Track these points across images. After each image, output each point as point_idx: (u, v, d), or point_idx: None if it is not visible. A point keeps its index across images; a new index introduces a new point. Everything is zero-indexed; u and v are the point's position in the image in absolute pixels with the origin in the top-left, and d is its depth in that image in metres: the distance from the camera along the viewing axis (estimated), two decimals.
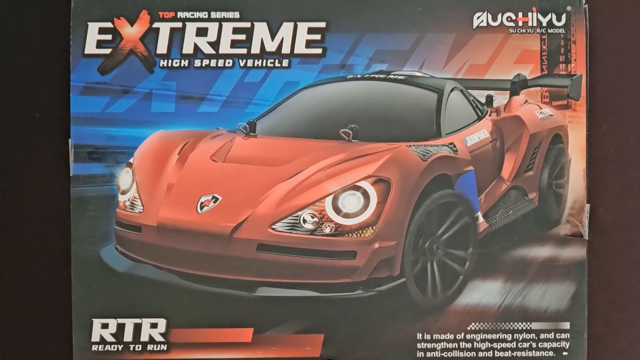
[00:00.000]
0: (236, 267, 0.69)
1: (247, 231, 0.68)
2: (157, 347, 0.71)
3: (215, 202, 0.70)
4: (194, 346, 0.71)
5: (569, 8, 0.73)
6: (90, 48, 0.72)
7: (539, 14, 0.73)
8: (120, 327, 0.71)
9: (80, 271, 0.71)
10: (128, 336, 0.71)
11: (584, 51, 0.73)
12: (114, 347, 0.71)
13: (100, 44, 0.72)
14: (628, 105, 0.76)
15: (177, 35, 0.72)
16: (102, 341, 0.71)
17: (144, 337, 0.71)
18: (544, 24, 0.73)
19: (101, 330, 0.71)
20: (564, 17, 0.73)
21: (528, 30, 0.73)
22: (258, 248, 0.69)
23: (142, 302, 0.71)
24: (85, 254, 0.71)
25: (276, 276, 0.69)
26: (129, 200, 0.73)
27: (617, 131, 0.75)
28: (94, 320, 0.71)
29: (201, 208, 0.70)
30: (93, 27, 0.72)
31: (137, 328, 0.71)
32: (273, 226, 0.69)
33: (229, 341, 0.71)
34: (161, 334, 0.71)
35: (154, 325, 0.71)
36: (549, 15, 0.73)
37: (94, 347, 0.71)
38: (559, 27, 0.73)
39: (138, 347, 0.71)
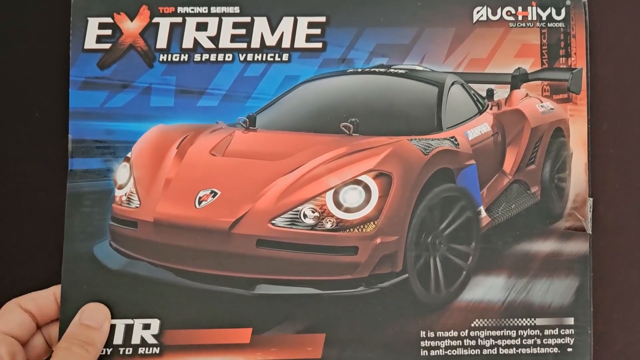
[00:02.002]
0: (235, 264, 0.65)
1: (246, 226, 0.65)
2: (149, 350, 0.65)
3: (213, 196, 0.67)
4: (188, 349, 0.66)
5: (568, 2, 0.71)
6: (90, 43, 0.69)
7: (538, 8, 0.71)
8: (111, 329, 0.65)
9: (72, 269, 0.66)
10: (118, 339, 0.65)
11: (584, 45, 0.71)
12: (102, 351, 0.65)
13: (100, 39, 0.69)
14: (628, 103, 0.74)
15: (177, 30, 0.70)
16: None
17: (136, 340, 0.65)
18: (544, 18, 0.71)
19: None
20: (563, 11, 0.71)
21: (528, 24, 0.71)
22: (257, 244, 0.65)
23: (135, 301, 0.66)
24: (78, 251, 0.67)
25: (276, 273, 0.65)
26: (125, 195, 0.69)
27: (617, 130, 0.73)
28: None
29: (199, 203, 0.67)
30: (93, 22, 0.69)
31: (129, 329, 0.65)
32: (273, 221, 0.65)
33: (226, 342, 0.66)
34: (154, 336, 0.66)
35: (146, 326, 0.66)
36: (549, 9, 0.71)
37: None
38: (559, 21, 0.71)
39: (129, 351, 0.65)
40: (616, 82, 0.74)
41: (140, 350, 0.66)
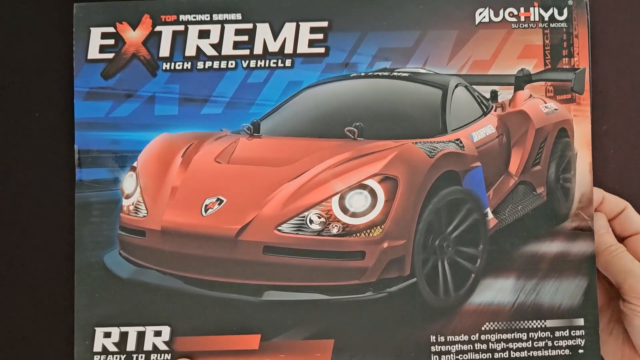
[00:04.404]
0: (242, 271, 0.62)
1: (252, 233, 0.62)
2: (160, 357, 0.63)
3: (219, 204, 0.63)
4: (198, 355, 0.63)
5: (570, 2, 0.67)
6: (93, 53, 0.66)
7: (540, 9, 0.67)
8: (123, 336, 0.63)
9: (84, 278, 0.64)
10: (131, 345, 0.63)
11: (587, 45, 0.67)
12: (116, 358, 0.63)
13: (103, 49, 0.66)
14: (628, 104, 0.70)
15: (179, 38, 0.66)
16: (105, 351, 0.63)
17: (148, 346, 0.63)
18: (546, 19, 0.67)
19: (103, 339, 0.64)
20: (565, 11, 0.67)
21: (530, 25, 0.67)
22: (264, 250, 0.62)
23: (145, 309, 0.64)
24: (89, 260, 0.64)
25: (283, 279, 0.62)
26: (132, 204, 0.66)
27: (618, 131, 0.70)
28: (97, 329, 0.64)
29: (205, 211, 0.63)
30: (95, 33, 0.66)
31: (141, 336, 0.63)
32: (279, 227, 0.62)
33: (236, 349, 0.63)
34: (165, 343, 0.63)
35: (157, 333, 0.63)
36: (551, 9, 0.67)
37: (96, 358, 0.63)
38: (561, 22, 0.67)
39: (141, 357, 0.64)
40: (616, 82, 0.70)
41: (153, 357, 0.63)
